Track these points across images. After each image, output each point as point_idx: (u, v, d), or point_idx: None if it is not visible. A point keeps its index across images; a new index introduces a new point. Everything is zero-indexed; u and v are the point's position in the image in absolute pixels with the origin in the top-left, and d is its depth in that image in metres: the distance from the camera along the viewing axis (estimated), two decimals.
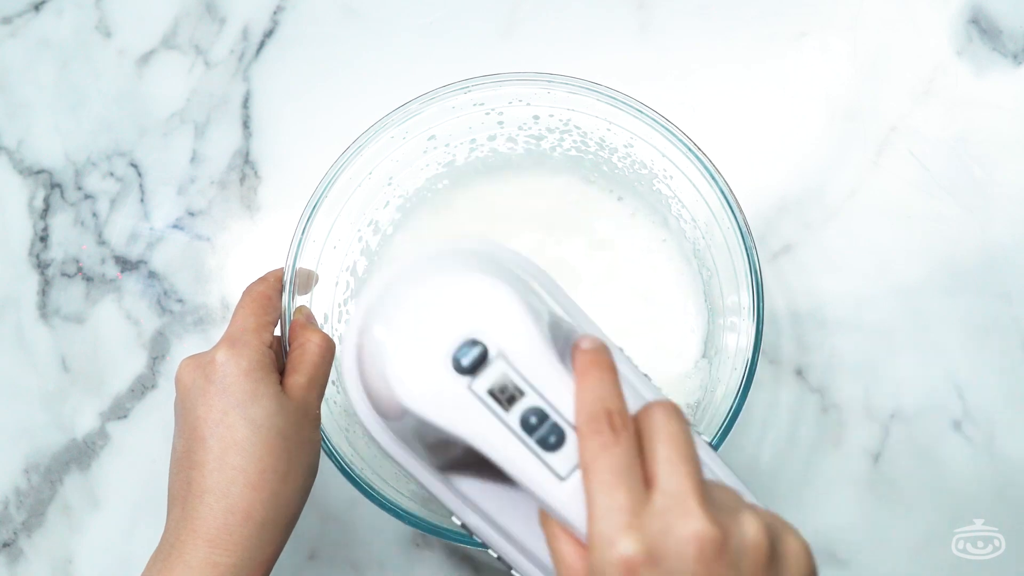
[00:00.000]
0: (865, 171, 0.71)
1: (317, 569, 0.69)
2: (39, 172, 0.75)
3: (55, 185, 0.74)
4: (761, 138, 0.72)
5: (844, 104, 0.72)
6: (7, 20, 0.77)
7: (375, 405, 0.44)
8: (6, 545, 0.71)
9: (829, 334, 0.69)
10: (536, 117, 0.65)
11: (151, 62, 0.75)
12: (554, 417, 0.40)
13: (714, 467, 0.46)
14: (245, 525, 0.50)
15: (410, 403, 0.40)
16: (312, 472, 0.54)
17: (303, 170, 0.67)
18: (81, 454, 0.71)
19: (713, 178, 0.60)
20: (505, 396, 0.39)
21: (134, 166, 0.74)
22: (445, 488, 0.46)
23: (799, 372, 0.69)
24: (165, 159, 0.74)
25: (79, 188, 0.74)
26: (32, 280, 0.74)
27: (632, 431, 0.39)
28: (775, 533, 0.39)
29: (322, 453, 0.59)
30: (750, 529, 0.38)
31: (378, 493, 0.59)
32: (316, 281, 0.63)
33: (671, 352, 0.67)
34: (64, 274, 0.73)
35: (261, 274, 0.59)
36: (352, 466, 0.59)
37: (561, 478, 0.39)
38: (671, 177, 0.63)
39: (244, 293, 0.56)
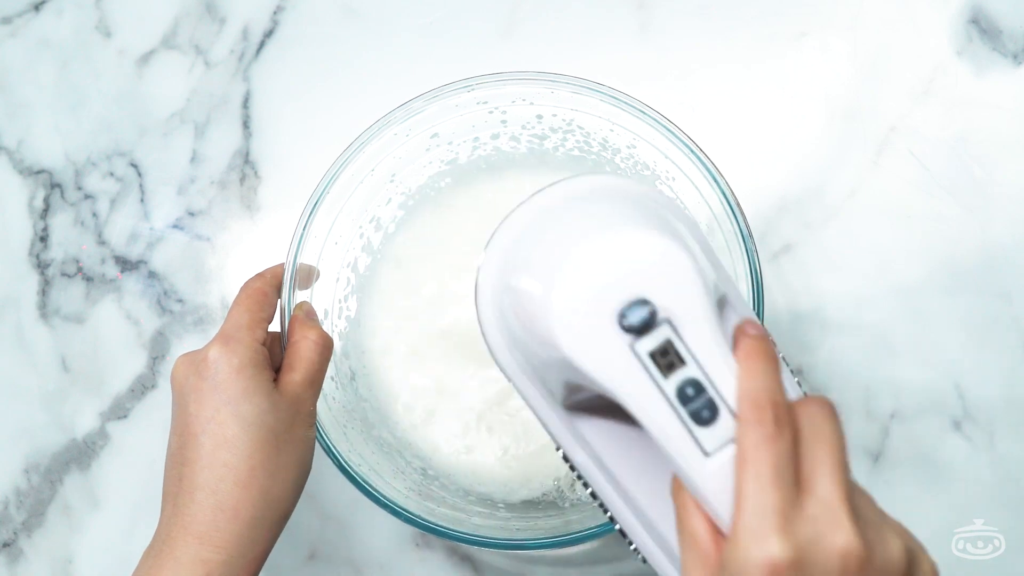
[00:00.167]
0: (865, 171, 0.71)
1: (317, 569, 0.69)
2: (39, 172, 0.75)
3: (55, 185, 0.74)
4: (761, 138, 0.72)
5: (844, 104, 0.72)
6: (7, 20, 0.77)
7: (516, 339, 0.44)
8: (6, 545, 0.71)
9: (829, 334, 0.69)
10: (540, 116, 0.65)
11: (151, 62, 0.75)
12: (711, 392, 0.39)
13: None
14: (234, 522, 0.51)
15: (570, 351, 0.39)
16: (304, 470, 0.54)
17: (303, 170, 0.67)
18: (81, 454, 0.71)
19: (715, 180, 0.60)
20: (666, 361, 0.39)
21: (134, 166, 0.74)
22: (563, 423, 0.46)
23: (799, 372, 0.69)
24: (165, 159, 0.74)
25: (79, 188, 0.74)
26: (32, 280, 0.74)
27: (793, 428, 0.39)
28: (913, 555, 0.39)
29: (321, 451, 0.59)
30: (894, 549, 0.38)
31: (378, 492, 0.59)
32: (317, 277, 0.63)
33: None
34: (64, 274, 0.73)
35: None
36: (351, 464, 0.59)
37: (707, 454, 0.39)
38: (673, 179, 0.63)
39: (241, 289, 0.56)
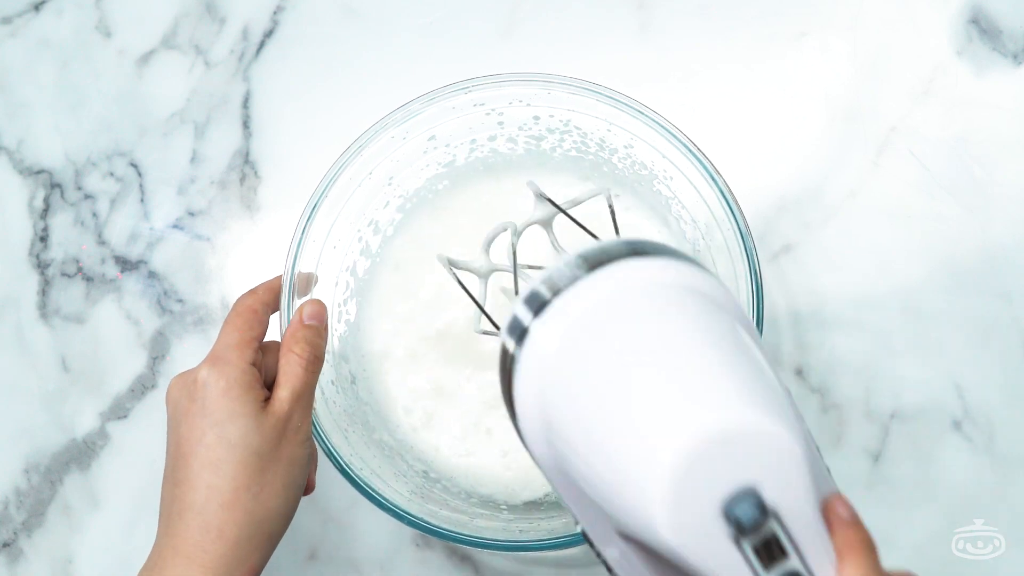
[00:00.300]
0: (865, 171, 0.71)
1: (317, 569, 0.69)
2: (39, 172, 0.75)
3: (55, 185, 0.74)
4: (761, 138, 0.72)
5: (844, 104, 0.72)
6: (7, 20, 0.77)
7: (570, 469, 0.42)
8: (6, 545, 0.71)
9: (829, 334, 0.69)
10: (536, 118, 0.65)
11: (151, 62, 0.75)
12: None
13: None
14: (218, 543, 0.51)
15: (671, 540, 0.37)
16: (294, 490, 0.54)
17: (303, 170, 0.67)
18: (81, 454, 0.71)
19: (713, 179, 0.60)
20: (769, 554, 0.38)
21: (134, 166, 0.74)
22: (602, 527, 0.45)
23: (799, 372, 0.69)
24: (165, 159, 0.74)
25: (79, 188, 0.74)
26: (32, 280, 0.74)
27: None
28: None
29: (323, 455, 0.59)
30: None
31: (378, 493, 0.59)
32: (315, 282, 0.63)
33: None
34: (64, 274, 0.73)
35: (260, 278, 0.59)
36: (352, 468, 0.59)
37: None
38: (671, 178, 0.63)
39: (232, 307, 0.57)
